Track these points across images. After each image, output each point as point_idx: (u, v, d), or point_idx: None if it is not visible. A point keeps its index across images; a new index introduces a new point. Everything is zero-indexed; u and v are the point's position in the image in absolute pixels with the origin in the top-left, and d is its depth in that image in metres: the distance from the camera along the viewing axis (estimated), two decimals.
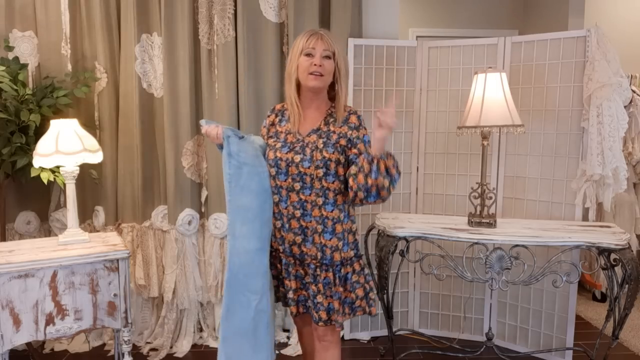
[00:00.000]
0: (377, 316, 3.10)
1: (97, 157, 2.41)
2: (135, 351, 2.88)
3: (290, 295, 1.91)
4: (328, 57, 1.80)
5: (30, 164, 2.53)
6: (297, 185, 1.82)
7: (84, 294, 2.19)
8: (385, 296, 2.63)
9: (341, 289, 1.86)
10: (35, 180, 2.61)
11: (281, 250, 1.91)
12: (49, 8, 2.90)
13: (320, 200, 1.82)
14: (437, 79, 3.01)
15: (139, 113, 2.91)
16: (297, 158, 1.81)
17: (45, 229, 3.04)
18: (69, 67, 2.91)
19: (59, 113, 2.76)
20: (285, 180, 1.82)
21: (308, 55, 1.79)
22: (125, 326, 2.27)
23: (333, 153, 1.80)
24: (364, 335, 3.12)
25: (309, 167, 1.79)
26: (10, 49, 2.82)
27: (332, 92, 1.90)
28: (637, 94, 3.56)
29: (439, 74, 3.00)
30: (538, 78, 2.81)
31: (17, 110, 2.65)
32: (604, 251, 2.41)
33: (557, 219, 2.78)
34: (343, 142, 1.83)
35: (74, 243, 2.34)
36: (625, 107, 2.84)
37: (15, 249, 2.27)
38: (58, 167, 2.42)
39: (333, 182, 1.82)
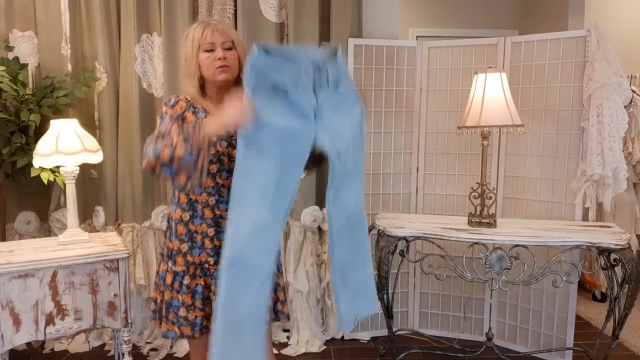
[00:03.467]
0: (377, 316, 3.10)
1: (97, 157, 2.41)
2: (135, 351, 2.87)
3: None
4: (229, 48, 1.68)
5: (30, 164, 2.53)
6: (214, 168, 1.68)
7: (84, 294, 2.19)
8: (385, 296, 2.63)
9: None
10: (35, 180, 2.61)
11: (212, 263, 1.70)
12: (49, 8, 2.90)
13: None
14: (437, 79, 3.01)
15: (139, 113, 2.91)
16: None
17: (45, 229, 3.04)
18: (69, 67, 2.91)
19: (59, 113, 2.76)
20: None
21: (208, 51, 1.66)
22: (125, 326, 2.27)
23: None
24: (364, 335, 3.12)
25: (226, 147, 1.68)
26: (10, 49, 2.82)
27: (237, 84, 1.73)
28: (637, 94, 3.56)
29: (439, 74, 3.00)
30: (538, 78, 2.80)
31: (17, 110, 2.65)
32: (604, 251, 2.41)
33: (557, 219, 2.78)
34: None
35: (74, 243, 2.34)
36: (625, 107, 2.84)
37: (15, 249, 2.27)
38: (58, 167, 2.42)
39: None
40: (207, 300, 1.72)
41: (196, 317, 1.72)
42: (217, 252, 1.69)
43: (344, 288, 1.69)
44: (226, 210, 1.65)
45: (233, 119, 1.47)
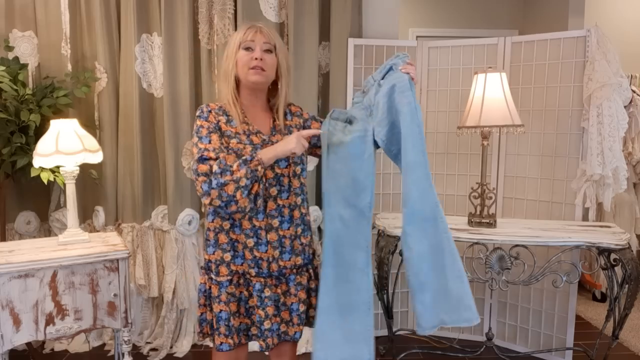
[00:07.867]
0: (377, 316, 3.10)
1: (97, 157, 2.41)
2: (135, 351, 2.88)
3: (267, 325, 1.67)
4: (269, 50, 1.65)
5: (30, 164, 2.53)
6: (274, 190, 1.66)
7: (84, 294, 2.19)
8: (385, 296, 2.63)
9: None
10: (35, 180, 2.61)
11: (253, 274, 1.68)
12: (49, 8, 2.90)
13: (299, 200, 1.71)
14: (437, 79, 3.01)
15: (139, 113, 2.91)
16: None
17: (45, 229, 3.04)
18: (69, 67, 2.91)
19: (59, 113, 2.76)
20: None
21: (247, 49, 1.64)
22: (125, 326, 2.27)
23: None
24: None
25: (286, 167, 1.67)
26: (10, 49, 2.82)
27: (274, 91, 1.75)
28: (637, 94, 3.56)
29: (439, 74, 3.00)
30: (538, 78, 2.81)
31: (17, 110, 2.65)
32: (604, 251, 2.41)
33: (557, 219, 2.78)
34: None
35: (74, 243, 2.34)
36: (625, 107, 2.84)
37: (15, 249, 2.27)
38: (58, 167, 2.42)
39: (305, 177, 1.74)
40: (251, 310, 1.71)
41: (241, 323, 1.71)
42: (270, 274, 1.70)
43: (420, 288, 1.69)
44: (288, 229, 1.69)
45: (287, 148, 1.57)
